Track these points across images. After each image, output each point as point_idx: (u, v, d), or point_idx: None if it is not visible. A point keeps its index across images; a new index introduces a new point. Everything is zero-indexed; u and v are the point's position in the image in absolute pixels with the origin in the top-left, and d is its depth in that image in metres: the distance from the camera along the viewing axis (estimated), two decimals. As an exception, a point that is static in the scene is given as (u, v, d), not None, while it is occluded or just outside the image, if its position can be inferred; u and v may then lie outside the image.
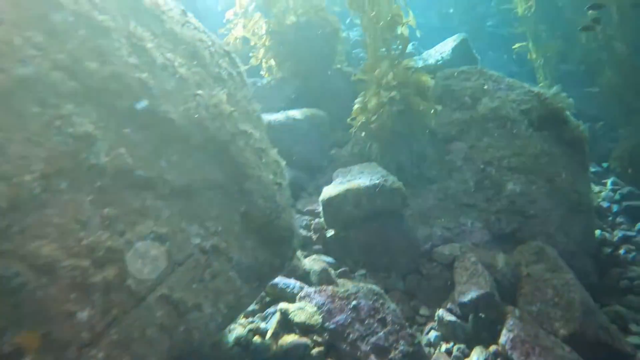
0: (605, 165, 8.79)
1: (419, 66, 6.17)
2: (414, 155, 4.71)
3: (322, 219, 3.94)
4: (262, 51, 5.96)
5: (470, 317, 3.29)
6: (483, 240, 4.12)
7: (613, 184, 7.96)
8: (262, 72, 6.20)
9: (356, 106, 4.73)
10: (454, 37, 9.51)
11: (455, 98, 5.30)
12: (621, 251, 6.36)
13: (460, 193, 4.43)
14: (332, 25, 5.97)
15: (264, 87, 6.06)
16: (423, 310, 3.52)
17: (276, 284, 2.88)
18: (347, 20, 10.01)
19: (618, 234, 6.63)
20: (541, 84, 9.77)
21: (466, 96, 5.26)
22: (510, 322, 3.14)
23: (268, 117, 4.86)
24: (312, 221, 4.09)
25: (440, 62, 8.68)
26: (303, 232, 3.93)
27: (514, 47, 10.07)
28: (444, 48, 9.31)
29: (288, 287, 2.88)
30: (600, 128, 9.35)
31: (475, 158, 4.66)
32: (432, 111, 4.76)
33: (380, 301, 2.76)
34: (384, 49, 4.67)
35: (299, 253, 3.30)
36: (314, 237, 3.94)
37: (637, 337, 4.13)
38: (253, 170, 2.31)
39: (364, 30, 4.82)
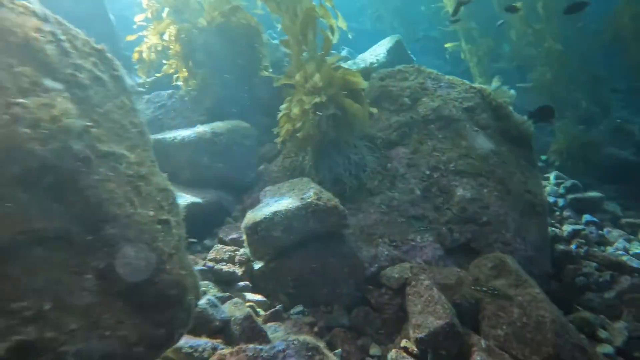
0: (543, 158, 8.76)
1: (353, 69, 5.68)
2: (352, 165, 4.17)
3: (248, 249, 3.28)
4: (174, 59, 5.24)
5: (429, 354, 2.75)
6: (435, 256, 3.62)
7: (556, 177, 7.86)
8: (178, 83, 5.47)
9: (281, 114, 4.14)
10: (388, 38, 9.22)
11: (394, 99, 4.84)
12: (572, 246, 6.16)
13: (406, 204, 3.92)
14: (253, 28, 5.36)
15: (181, 100, 5.34)
16: (374, 350, 2.94)
17: (180, 348, 2.19)
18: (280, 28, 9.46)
19: (567, 228, 6.44)
20: (477, 82, 9.69)
21: (405, 97, 4.82)
22: (476, 357, 2.63)
23: (181, 133, 4.15)
24: (237, 252, 3.41)
25: (376, 64, 8.30)
26: (225, 267, 3.25)
27: (446, 45, 9.94)
28: (379, 50, 8.98)
29: (196, 349, 2.20)
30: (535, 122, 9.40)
31: (420, 163, 4.19)
32: (368, 114, 4.25)
33: (317, 358, 2.14)
34: (306, 50, 4.12)
35: (213, 297, 2.61)
36: (239, 271, 3.26)
37: (608, 345, 3.79)
38: (119, 209, 1.63)
39: (285, 30, 4.25)
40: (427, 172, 4.11)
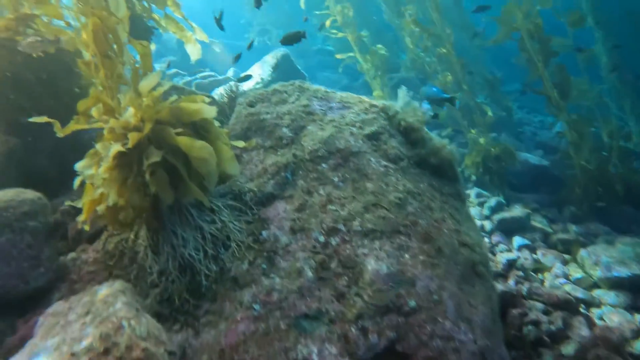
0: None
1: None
2: (208, 241, 2.68)
3: None
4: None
5: None
6: (345, 384, 2.23)
7: (477, 195, 7.00)
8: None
9: (79, 178, 2.56)
10: (272, 53, 7.93)
11: (269, 132, 3.45)
12: (510, 282, 5.21)
13: (293, 295, 2.50)
14: (61, 62, 3.71)
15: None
16: None
17: None
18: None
19: (501, 259, 5.48)
20: (376, 93, 8.72)
21: (284, 126, 3.45)
22: None
23: None
24: None
25: (260, 85, 6.93)
26: None
27: (337, 56, 8.85)
28: (263, 69, 7.63)
29: None
30: (448, 134, 8.62)
31: (310, 226, 2.80)
32: (231, 157, 2.80)
33: None
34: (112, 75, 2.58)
35: None
36: None
37: None
38: None
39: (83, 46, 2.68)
40: (322, 239, 2.74)
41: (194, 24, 5.05)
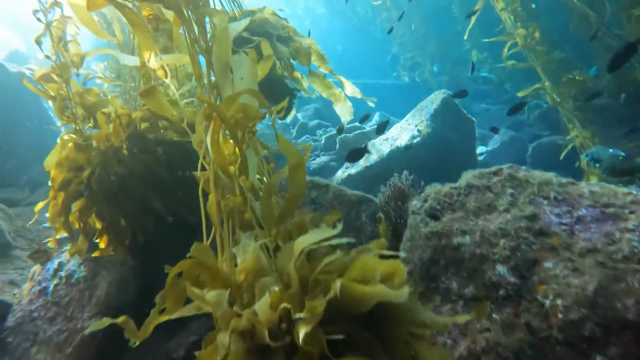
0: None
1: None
2: None
3: None
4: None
5: None
6: None
7: None
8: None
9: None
10: (431, 97, 6.44)
11: (470, 269, 2.01)
12: None
13: None
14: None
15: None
16: None
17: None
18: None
19: None
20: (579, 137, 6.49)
21: (498, 262, 1.97)
22: None
23: None
24: None
25: (418, 139, 5.65)
26: None
27: (520, 94, 6.87)
28: (416, 117, 6.19)
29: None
30: None
31: None
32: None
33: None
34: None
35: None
36: None
37: None
38: None
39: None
40: None
41: (343, 79, 4.06)
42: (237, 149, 1.82)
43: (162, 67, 2.46)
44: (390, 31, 9.17)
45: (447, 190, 2.38)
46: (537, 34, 6.18)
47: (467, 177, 2.43)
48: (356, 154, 4.45)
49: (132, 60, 2.35)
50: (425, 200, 2.38)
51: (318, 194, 2.63)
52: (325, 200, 2.57)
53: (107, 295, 2.82)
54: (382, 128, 5.50)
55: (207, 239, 1.70)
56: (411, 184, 2.66)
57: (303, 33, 4.41)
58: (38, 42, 3.06)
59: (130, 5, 2.14)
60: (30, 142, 6.62)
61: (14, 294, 3.64)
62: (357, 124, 8.60)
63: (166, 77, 2.50)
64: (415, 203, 2.41)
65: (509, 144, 8.24)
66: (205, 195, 1.85)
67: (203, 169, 1.89)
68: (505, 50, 6.46)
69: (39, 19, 3.08)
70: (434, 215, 2.28)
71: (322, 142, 8.82)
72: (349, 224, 2.55)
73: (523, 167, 2.44)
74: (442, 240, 2.14)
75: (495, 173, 2.39)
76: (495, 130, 6.07)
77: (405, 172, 2.72)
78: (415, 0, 13.89)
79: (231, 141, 1.87)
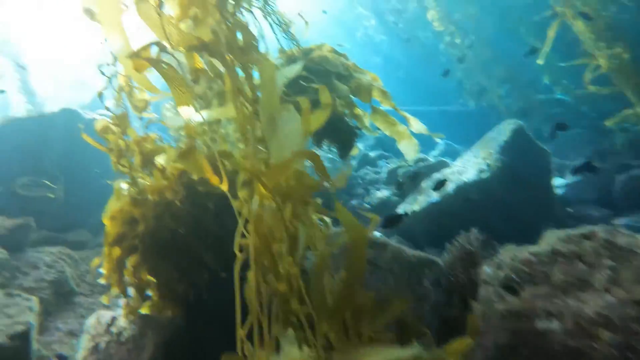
0: None
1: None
2: None
3: None
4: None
5: None
6: None
7: None
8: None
9: None
10: (500, 127, 5.94)
11: None
12: None
13: None
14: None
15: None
16: None
17: None
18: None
19: None
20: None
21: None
22: None
23: None
24: None
25: (487, 174, 5.18)
26: None
27: (607, 122, 6.10)
28: (485, 150, 5.72)
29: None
30: None
31: None
32: None
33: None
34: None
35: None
36: None
37: None
38: None
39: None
40: None
41: (407, 115, 3.82)
42: (285, 223, 1.60)
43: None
44: (462, 59, 8.68)
45: (526, 256, 2.00)
46: (625, 55, 5.52)
47: (551, 239, 2.04)
48: (392, 220, 4.17)
49: (177, 121, 2.25)
50: (500, 268, 2.02)
51: (375, 254, 2.35)
52: (383, 262, 2.29)
53: (153, 358, 2.69)
54: (440, 186, 5.36)
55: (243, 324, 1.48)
56: (482, 245, 2.30)
57: (364, 68, 4.22)
58: (100, 95, 3.08)
59: (169, 59, 2.02)
60: (97, 187, 6.94)
61: (73, 345, 3.65)
62: (420, 155, 8.21)
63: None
64: (487, 270, 2.05)
65: (592, 176, 7.43)
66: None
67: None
68: (588, 75, 5.86)
69: (102, 72, 3.11)
70: (509, 286, 1.91)
71: (384, 175, 8.49)
72: (410, 290, 2.24)
73: (622, 228, 2.00)
74: (521, 323, 1.76)
75: (586, 237, 1.98)
76: (561, 127, 5.57)
77: (474, 230, 2.35)
78: (480, 23, 13.33)
79: (279, 213, 1.65)
